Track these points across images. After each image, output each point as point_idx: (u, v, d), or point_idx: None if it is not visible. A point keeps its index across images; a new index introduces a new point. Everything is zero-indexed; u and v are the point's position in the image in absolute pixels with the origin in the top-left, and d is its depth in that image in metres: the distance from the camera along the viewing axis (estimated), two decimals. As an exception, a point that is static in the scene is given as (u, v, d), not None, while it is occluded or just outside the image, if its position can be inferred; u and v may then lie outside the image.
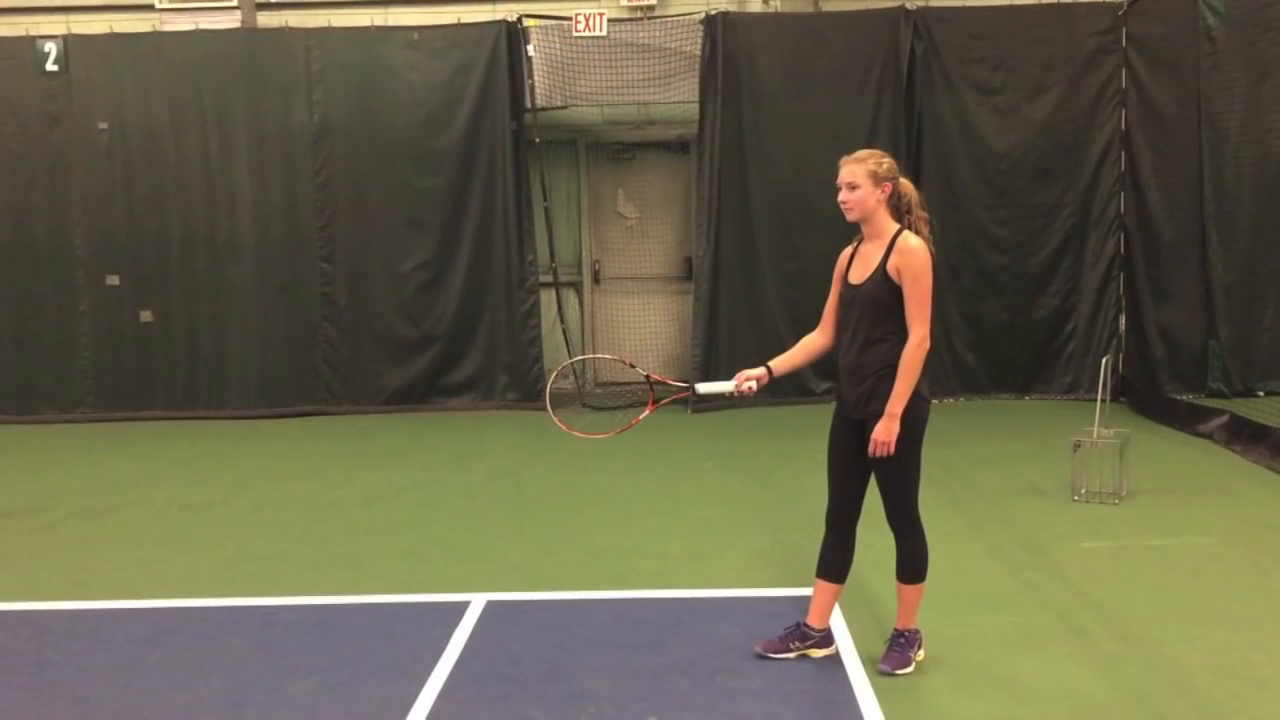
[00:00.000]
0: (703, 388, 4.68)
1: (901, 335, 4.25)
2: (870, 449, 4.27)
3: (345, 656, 4.75)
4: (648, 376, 4.72)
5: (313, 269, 10.71)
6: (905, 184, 4.38)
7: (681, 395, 4.76)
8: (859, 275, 4.38)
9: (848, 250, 4.51)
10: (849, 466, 4.45)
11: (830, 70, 10.50)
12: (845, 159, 4.36)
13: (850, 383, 4.40)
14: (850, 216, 4.38)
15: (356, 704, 4.29)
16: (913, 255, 4.21)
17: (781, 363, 4.63)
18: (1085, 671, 4.47)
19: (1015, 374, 10.73)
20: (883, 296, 4.27)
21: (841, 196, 4.34)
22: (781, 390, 10.61)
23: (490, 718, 4.16)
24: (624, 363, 4.88)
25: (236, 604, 5.49)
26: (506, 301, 10.73)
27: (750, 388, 4.49)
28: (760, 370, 4.54)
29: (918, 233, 4.30)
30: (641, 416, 4.74)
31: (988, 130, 10.50)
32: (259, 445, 9.57)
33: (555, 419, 4.70)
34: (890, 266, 4.25)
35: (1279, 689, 4.27)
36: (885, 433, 4.23)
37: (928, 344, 4.24)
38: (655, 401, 4.71)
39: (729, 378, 4.59)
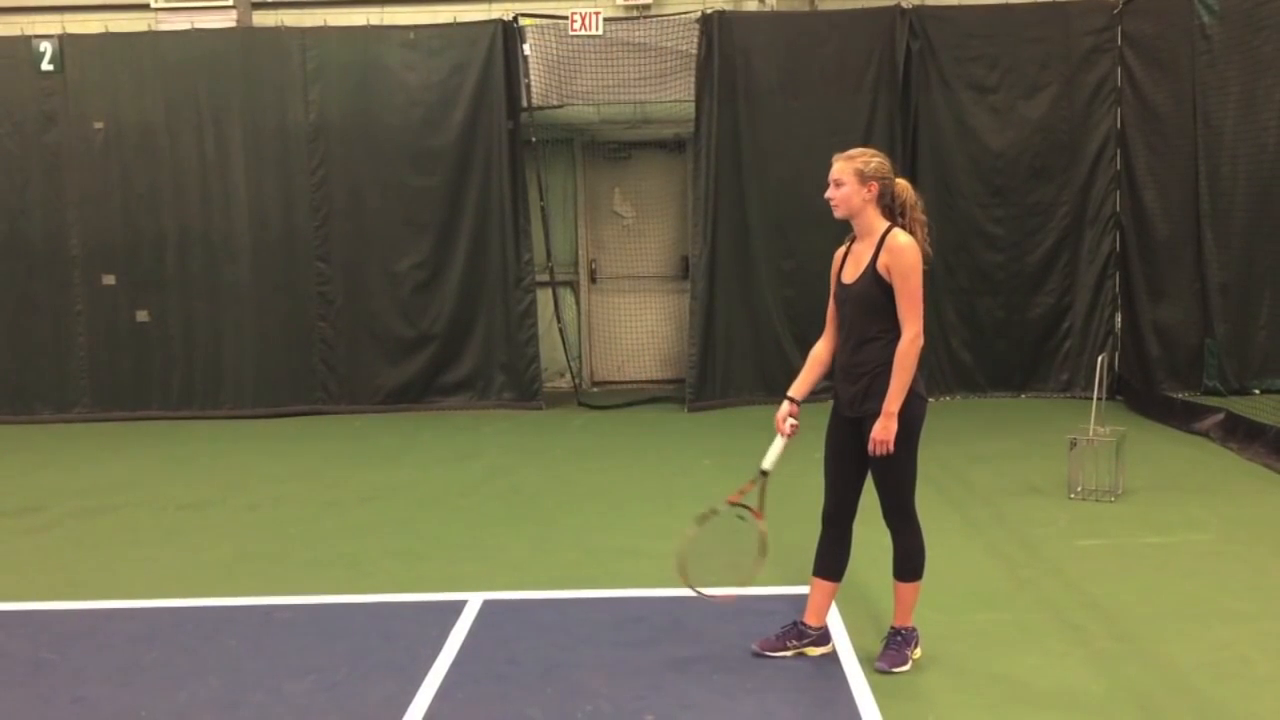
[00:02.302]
0: (769, 463, 4.48)
1: (895, 333, 4.26)
2: (870, 448, 4.28)
3: (342, 656, 4.75)
4: (742, 507, 4.48)
5: (309, 268, 10.69)
6: (901, 185, 4.37)
7: (758, 485, 4.51)
8: (851, 274, 4.39)
9: (841, 250, 4.52)
10: (846, 465, 4.45)
11: (826, 69, 10.50)
12: (837, 156, 4.37)
13: (846, 381, 4.41)
14: (836, 213, 4.39)
15: (354, 703, 4.29)
16: (901, 253, 4.22)
17: (800, 388, 4.58)
18: (1081, 669, 4.47)
19: (1011, 372, 10.74)
20: (874, 295, 4.27)
21: (828, 193, 4.36)
22: (778, 388, 10.56)
23: (488, 716, 4.16)
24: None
25: (233, 603, 5.48)
26: (503, 301, 10.72)
27: (795, 426, 4.47)
28: (788, 406, 4.51)
29: (911, 233, 4.30)
30: (762, 530, 4.50)
31: (983, 129, 10.51)
32: (255, 444, 9.56)
33: (697, 590, 4.47)
34: (880, 265, 4.26)
35: (1275, 686, 4.28)
36: (883, 431, 4.23)
37: (921, 341, 4.25)
38: (759, 511, 4.50)
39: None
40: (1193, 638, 4.76)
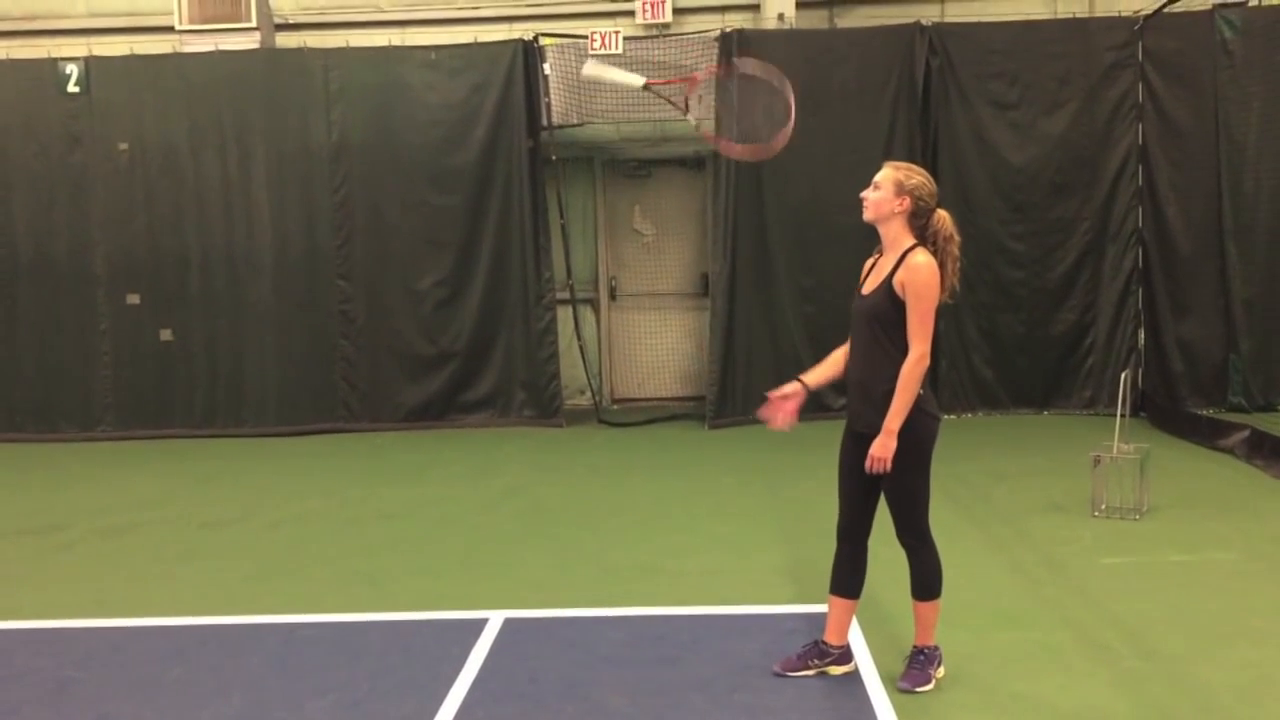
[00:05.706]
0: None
1: (906, 351, 4.25)
2: (866, 465, 4.27)
3: (364, 674, 4.76)
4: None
5: (331, 287, 10.76)
6: (941, 217, 4.34)
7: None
8: (869, 286, 4.40)
9: (870, 260, 4.52)
10: (857, 481, 4.43)
11: (846, 86, 10.50)
12: (889, 163, 4.42)
13: (856, 395, 4.42)
14: (865, 215, 4.41)
15: (375, 721, 4.30)
16: (918, 271, 4.21)
17: (814, 376, 4.63)
18: (1106, 688, 4.44)
19: (1034, 389, 10.65)
20: (886, 309, 4.27)
21: (864, 192, 4.39)
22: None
23: (508, 735, 4.16)
24: None
25: (256, 621, 5.51)
26: (523, 318, 10.75)
27: (787, 414, 4.56)
28: (795, 386, 4.55)
29: (940, 265, 4.28)
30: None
31: (1004, 145, 10.49)
32: (277, 462, 9.60)
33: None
34: (896, 280, 4.26)
35: (1303, 706, 4.24)
36: (881, 449, 4.22)
37: (927, 362, 4.23)
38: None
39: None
40: (1218, 657, 4.72)
